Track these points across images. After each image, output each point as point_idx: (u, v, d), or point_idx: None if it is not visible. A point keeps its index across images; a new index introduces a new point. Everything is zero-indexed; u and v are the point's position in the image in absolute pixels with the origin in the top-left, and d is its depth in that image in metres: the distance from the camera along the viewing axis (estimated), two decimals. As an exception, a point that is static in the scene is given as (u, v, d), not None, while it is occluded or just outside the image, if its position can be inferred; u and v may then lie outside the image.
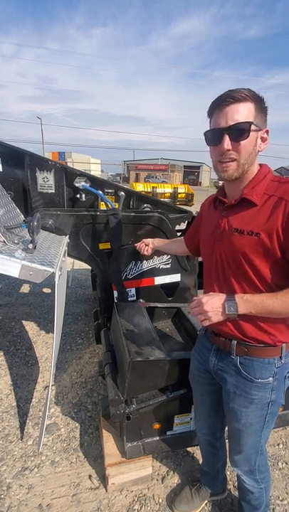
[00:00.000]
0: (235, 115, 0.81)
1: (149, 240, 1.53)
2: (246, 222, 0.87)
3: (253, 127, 0.81)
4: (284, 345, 0.93)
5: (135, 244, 1.58)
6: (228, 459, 1.38)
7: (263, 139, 0.87)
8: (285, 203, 0.80)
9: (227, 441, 1.32)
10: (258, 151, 0.87)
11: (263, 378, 0.94)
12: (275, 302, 0.81)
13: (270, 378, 0.94)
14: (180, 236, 2.09)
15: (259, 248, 0.84)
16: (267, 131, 0.87)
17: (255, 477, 1.12)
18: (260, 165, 0.93)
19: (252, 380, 0.95)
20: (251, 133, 0.82)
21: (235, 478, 1.54)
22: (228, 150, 0.84)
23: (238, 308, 0.84)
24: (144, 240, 1.54)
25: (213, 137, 0.86)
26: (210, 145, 0.89)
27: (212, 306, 0.86)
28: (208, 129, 0.89)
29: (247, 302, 0.84)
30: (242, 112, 0.81)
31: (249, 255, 0.86)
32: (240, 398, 0.99)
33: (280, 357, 0.93)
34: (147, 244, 1.52)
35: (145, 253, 1.52)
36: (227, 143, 0.83)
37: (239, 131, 0.81)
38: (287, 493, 1.48)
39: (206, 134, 0.89)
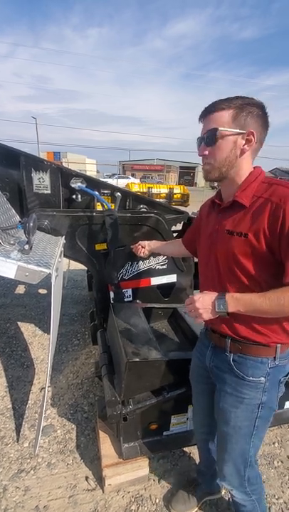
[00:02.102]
0: (208, 125, 0.89)
1: (146, 242, 1.53)
2: (237, 224, 0.90)
3: (225, 132, 0.87)
4: (278, 346, 0.93)
5: (131, 246, 1.59)
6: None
7: (248, 141, 0.88)
8: (271, 203, 0.82)
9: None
10: (241, 153, 0.89)
11: (255, 377, 0.94)
12: (263, 302, 0.82)
13: (262, 378, 0.94)
14: (176, 237, 2.10)
15: (247, 249, 0.86)
16: (251, 133, 0.87)
17: (245, 490, 1.09)
18: (254, 167, 0.94)
19: (243, 378, 0.95)
20: (227, 137, 0.87)
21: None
22: (203, 155, 0.93)
23: (227, 307, 0.86)
24: (141, 242, 1.55)
25: (197, 145, 0.96)
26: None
27: (203, 303, 0.89)
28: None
29: (236, 301, 0.86)
30: (214, 121, 0.88)
31: (238, 256, 0.89)
32: (230, 397, 0.99)
33: (274, 357, 0.94)
34: (143, 247, 1.52)
35: (141, 255, 1.53)
36: (201, 149, 0.93)
37: (209, 138, 0.89)
38: (283, 492, 1.49)
39: (197, 141, 0.98)
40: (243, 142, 0.88)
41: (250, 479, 1.07)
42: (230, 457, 1.05)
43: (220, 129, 0.87)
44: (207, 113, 0.90)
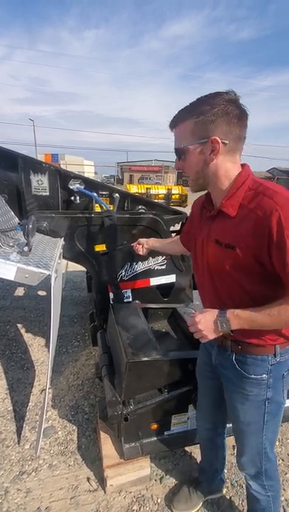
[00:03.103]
0: (175, 139, 0.91)
1: (144, 240, 1.54)
2: (224, 235, 0.88)
3: (188, 147, 0.87)
4: (277, 345, 0.94)
5: (131, 244, 1.59)
6: (226, 459, 1.40)
7: (213, 148, 0.84)
8: (256, 217, 0.79)
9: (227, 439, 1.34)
10: (209, 162, 0.86)
11: (257, 374, 0.95)
12: (264, 318, 0.82)
13: (264, 375, 0.95)
14: (174, 235, 2.11)
15: (235, 261, 0.85)
16: (214, 140, 0.83)
17: (262, 482, 1.09)
18: (242, 166, 0.90)
19: (246, 376, 0.97)
20: (191, 151, 0.87)
21: (233, 476, 1.56)
22: (179, 168, 0.94)
23: (230, 325, 0.86)
24: (140, 239, 1.55)
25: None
26: None
27: (205, 324, 0.89)
28: None
29: (238, 318, 0.86)
30: (178, 136, 0.90)
31: (228, 268, 0.88)
32: (237, 394, 1.01)
33: (274, 354, 0.94)
34: (142, 244, 1.53)
35: (140, 253, 1.53)
36: (177, 164, 0.95)
37: (178, 153, 0.92)
38: (284, 490, 1.50)
39: None
40: (209, 151, 0.85)
41: (267, 472, 1.08)
42: (246, 450, 1.07)
43: (182, 146, 0.88)
44: (172, 126, 0.91)
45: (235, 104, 0.83)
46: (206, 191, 1.00)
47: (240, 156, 0.90)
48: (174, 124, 0.90)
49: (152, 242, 1.53)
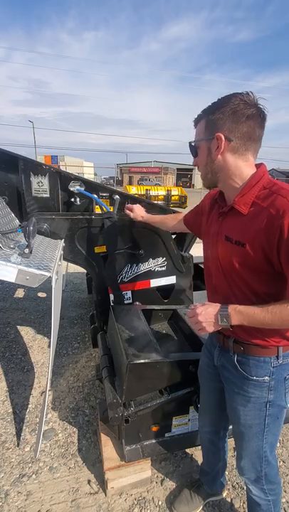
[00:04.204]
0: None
1: (140, 209, 1.64)
2: (235, 231, 0.89)
3: (199, 143, 0.94)
4: (280, 347, 0.93)
5: (127, 206, 1.69)
6: (227, 461, 1.39)
7: (218, 145, 0.88)
8: (269, 215, 0.80)
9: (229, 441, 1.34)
10: (214, 157, 0.90)
11: (259, 376, 0.95)
12: (266, 316, 0.82)
13: (266, 377, 0.95)
14: (174, 238, 2.11)
15: (244, 258, 0.86)
16: (218, 137, 0.87)
17: (263, 486, 1.08)
18: (257, 166, 0.91)
19: (248, 378, 0.96)
20: (201, 147, 0.94)
21: (234, 478, 1.56)
22: (195, 165, 1.00)
23: (230, 320, 0.87)
24: (134, 206, 1.65)
25: None
26: None
27: (206, 316, 0.89)
28: None
29: (240, 314, 0.86)
30: (196, 133, 0.95)
31: (236, 265, 0.89)
32: (238, 396, 1.01)
33: (277, 356, 0.94)
34: (130, 210, 1.64)
35: (131, 216, 1.64)
36: (193, 159, 0.99)
37: (191, 151, 0.98)
38: (285, 491, 1.49)
39: None
40: (215, 147, 0.89)
41: (267, 476, 1.07)
42: (246, 453, 1.06)
43: (193, 141, 0.95)
44: (194, 125, 0.96)
45: (248, 104, 0.84)
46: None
47: (254, 156, 0.91)
48: (195, 123, 0.96)
49: (149, 216, 1.63)
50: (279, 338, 0.92)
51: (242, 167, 0.89)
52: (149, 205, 2.11)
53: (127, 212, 1.66)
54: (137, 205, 1.69)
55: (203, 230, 1.13)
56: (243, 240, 0.85)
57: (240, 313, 0.86)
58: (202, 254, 1.11)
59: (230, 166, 0.89)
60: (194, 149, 0.96)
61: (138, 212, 1.63)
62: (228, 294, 0.96)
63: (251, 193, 0.86)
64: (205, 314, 0.89)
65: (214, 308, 0.90)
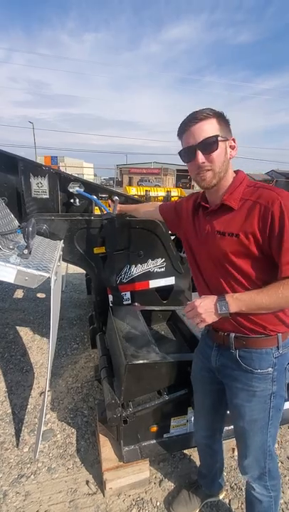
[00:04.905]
0: (202, 132, 0.91)
1: (117, 203, 1.77)
2: (227, 225, 0.94)
3: (219, 139, 0.91)
4: (279, 334, 0.96)
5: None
6: (224, 461, 1.40)
7: (232, 147, 0.97)
8: (259, 205, 0.88)
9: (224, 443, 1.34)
10: (230, 158, 0.96)
11: (263, 369, 0.97)
12: (263, 298, 0.86)
13: (270, 369, 0.96)
14: (173, 238, 2.12)
15: (239, 248, 0.91)
16: (234, 140, 0.97)
17: (266, 483, 1.09)
18: (236, 171, 1.00)
19: (252, 372, 0.98)
20: (221, 143, 0.92)
21: (232, 479, 1.56)
22: (203, 163, 0.93)
23: (229, 308, 0.89)
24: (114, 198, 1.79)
25: (187, 154, 0.96)
26: (186, 162, 0.98)
27: (205, 307, 0.91)
28: (181, 148, 0.98)
29: (237, 301, 0.89)
30: (207, 129, 0.91)
31: (230, 255, 0.93)
32: (242, 392, 1.01)
33: (277, 347, 0.96)
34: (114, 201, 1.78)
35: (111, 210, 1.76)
36: (200, 157, 0.92)
37: (209, 145, 0.91)
38: (283, 492, 1.50)
39: (180, 153, 0.99)
40: (232, 148, 0.97)
41: (271, 472, 1.08)
42: (250, 450, 1.07)
43: (220, 135, 0.91)
44: (193, 123, 0.92)
45: None
46: (199, 191, 1.09)
47: None
48: (198, 118, 0.92)
49: (124, 206, 1.77)
50: (277, 321, 0.95)
51: (232, 172, 0.99)
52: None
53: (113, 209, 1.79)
54: (115, 197, 1.85)
55: (188, 233, 1.15)
56: (236, 231, 0.91)
57: (238, 299, 0.89)
58: None
59: (229, 169, 0.98)
60: (216, 144, 0.91)
61: (117, 208, 1.76)
62: (222, 286, 0.98)
63: (238, 191, 0.95)
64: (204, 305, 0.91)
65: (212, 299, 0.92)
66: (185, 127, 0.94)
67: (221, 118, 0.94)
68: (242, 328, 0.97)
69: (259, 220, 0.87)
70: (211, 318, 0.91)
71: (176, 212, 1.27)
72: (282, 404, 1.03)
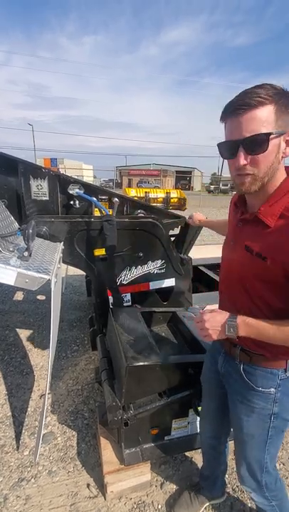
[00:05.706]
0: (251, 125, 0.70)
1: (199, 217, 1.79)
2: (257, 242, 0.81)
3: (272, 136, 0.70)
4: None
5: (187, 218, 1.92)
6: (228, 464, 1.39)
7: (288, 142, 0.74)
8: None
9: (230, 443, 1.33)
10: (282, 157, 0.76)
11: (265, 388, 0.91)
12: (277, 333, 0.78)
13: (272, 389, 0.91)
14: (173, 240, 2.12)
15: (263, 272, 0.80)
16: None
17: (264, 494, 1.07)
18: (287, 168, 0.81)
19: (253, 388, 0.93)
20: (271, 141, 0.71)
21: (234, 481, 1.55)
22: (244, 165, 0.75)
23: (237, 331, 0.82)
24: (194, 214, 1.82)
25: (228, 150, 0.77)
26: (224, 158, 0.80)
27: (213, 324, 0.85)
28: (222, 140, 0.79)
29: (248, 327, 0.81)
30: (259, 121, 0.70)
31: (252, 277, 0.83)
32: (241, 405, 0.97)
33: (285, 369, 0.90)
34: (192, 218, 1.81)
35: (190, 222, 1.86)
36: (243, 158, 0.74)
37: (256, 144, 0.71)
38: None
39: (219, 145, 0.79)
40: (284, 145, 0.74)
41: (267, 485, 1.05)
42: (246, 462, 1.04)
43: (273, 132, 0.70)
44: (242, 110, 0.70)
45: None
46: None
47: None
48: (251, 103, 0.69)
49: (205, 220, 1.77)
50: (287, 352, 0.87)
51: (281, 174, 0.79)
52: (149, 209, 2.12)
53: (187, 219, 1.90)
54: (197, 212, 1.85)
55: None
56: (265, 254, 0.78)
57: (249, 326, 0.81)
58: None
59: (279, 171, 0.78)
60: (266, 143, 0.71)
61: (196, 217, 1.80)
62: (239, 303, 0.91)
63: (281, 203, 0.77)
64: (212, 322, 0.85)
65: (222, 316, 0.85)
66: (232, 113, 0.73)
67: (283, 101, 0.70)
68: (248, 348, 0.92)
69: None
70: (216, 336, 0.85)
71: None
72: (285, 427, 0.97)
